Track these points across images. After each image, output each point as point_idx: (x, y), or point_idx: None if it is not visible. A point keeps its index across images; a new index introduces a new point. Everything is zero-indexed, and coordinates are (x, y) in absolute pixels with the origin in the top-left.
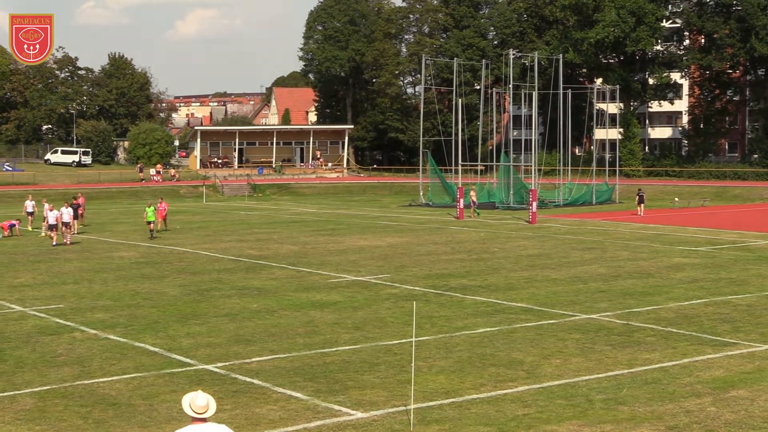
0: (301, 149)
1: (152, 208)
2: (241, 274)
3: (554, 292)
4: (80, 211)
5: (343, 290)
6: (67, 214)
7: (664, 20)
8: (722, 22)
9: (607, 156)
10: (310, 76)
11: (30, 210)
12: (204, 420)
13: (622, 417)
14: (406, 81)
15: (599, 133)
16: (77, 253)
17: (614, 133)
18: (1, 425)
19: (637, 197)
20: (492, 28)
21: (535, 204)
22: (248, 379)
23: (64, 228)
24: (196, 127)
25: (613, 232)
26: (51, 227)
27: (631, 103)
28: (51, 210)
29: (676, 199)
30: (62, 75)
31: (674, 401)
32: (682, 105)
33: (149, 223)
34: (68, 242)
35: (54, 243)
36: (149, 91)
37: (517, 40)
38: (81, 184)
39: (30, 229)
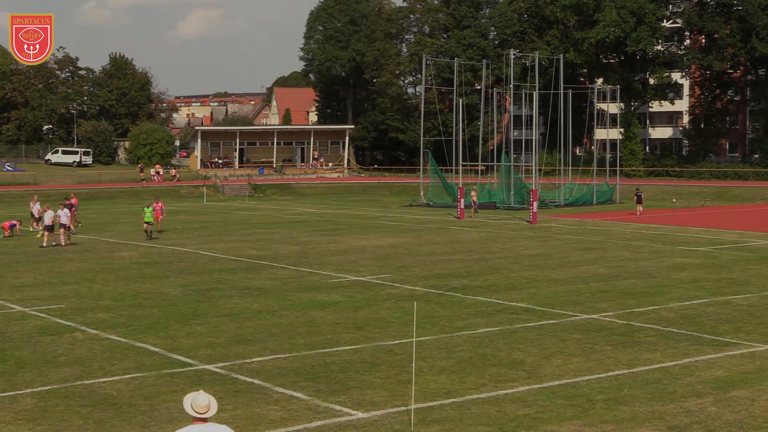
0: (302, 149)
1: (150, 208)
2: (241, 274)
3: (555, 292)
4: (73, 212)
5: (343, 290)
6: (64, 215)
7: (665, 20)
8: (723, 22)
9: (608, 156)
10: (311, 76)
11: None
12: (205, 420)
13: (623, 417)
14: (406, 81)
15: (600, 133)
16: (78, 254)
17: (615, 133)
18: (1, 425)
19: (636, 197)
20: (493, 28)
21: (535, 204)
22: (249, 379)
23: (62, 229)
24: (196, 127)
25: (613, 232)
26: (47, 228)
27: (632, 103)
28: (47, 210)
29: (674, 200)
30: (63, 75)
31: (675, 401)
32: (682, 105)
33: (147, 223)
34: (69, 243)
35: (54, 244)
36: (150, 91)
37: (517, 40)
38: (81, 185)
39: (31, 229)
